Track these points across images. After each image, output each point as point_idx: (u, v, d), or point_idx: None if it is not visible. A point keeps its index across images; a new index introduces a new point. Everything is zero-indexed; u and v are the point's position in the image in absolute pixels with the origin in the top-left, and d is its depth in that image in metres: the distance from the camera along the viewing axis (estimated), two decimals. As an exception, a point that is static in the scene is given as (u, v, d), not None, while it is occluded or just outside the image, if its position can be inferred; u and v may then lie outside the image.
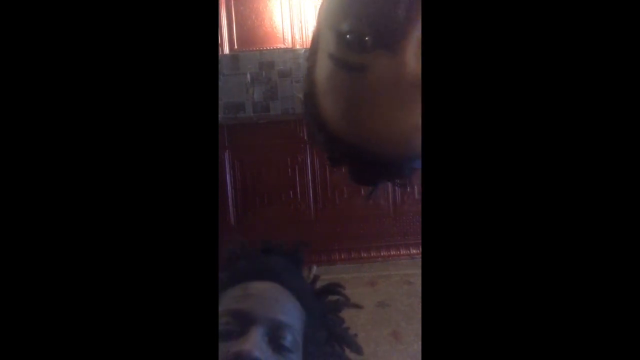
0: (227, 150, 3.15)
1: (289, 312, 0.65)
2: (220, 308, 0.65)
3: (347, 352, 0.74)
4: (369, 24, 0.38)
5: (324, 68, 0.42)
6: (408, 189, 3.08)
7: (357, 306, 0.80)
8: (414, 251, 3.11)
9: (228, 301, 0.65)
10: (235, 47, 3.38)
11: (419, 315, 0.35)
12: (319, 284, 0.78)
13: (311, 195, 3.20)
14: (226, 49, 3.36)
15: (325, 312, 0.74)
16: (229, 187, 3.19)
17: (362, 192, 2.91)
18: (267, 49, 3.31)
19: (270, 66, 3.21)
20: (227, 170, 3.18)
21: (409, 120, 0.40)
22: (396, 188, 3.04)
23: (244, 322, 0.61)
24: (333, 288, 0.78)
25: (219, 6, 3.25)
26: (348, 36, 0.39)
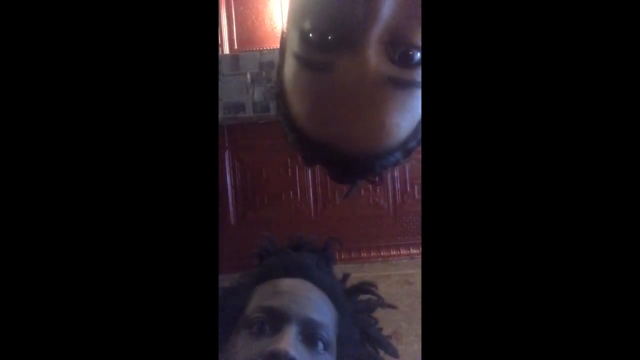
0: (227, 150, 3.15)
1: (322, 310, 0.64)
2: (252, 304, 0.63)
3: (382, 353, 0.71)
4: (331, 23, 0.38)
5: (290, 67, 0.42)
6: (405, 187, 3.08)
7: (392, 306, 0.77)
8: (414, 251, 3.10)
9: (259, 298, 0.64)
10: (235, 47, 3.38)
11: (419, 315, 0.35)
12: (349, 283, 0.76)
13: (311, 195, 3.19)
14: (226, 49, 3.36)
15: (357, 311, 0.72)
16: (229, 187, 3.18)
17: (362, 192, 2.90)
18: (267, 49, 3.31)
19: (270, 66, 3.20)
20: (227, 170, 3.17)
21: (374, 119, 0.39)
22: (396, 188, 3.04)
23: (278, 319, 0.60)
24: (365, 287, 0.76)
25: (219, 6, 3.25)
26: (310, 35, 0.38)
